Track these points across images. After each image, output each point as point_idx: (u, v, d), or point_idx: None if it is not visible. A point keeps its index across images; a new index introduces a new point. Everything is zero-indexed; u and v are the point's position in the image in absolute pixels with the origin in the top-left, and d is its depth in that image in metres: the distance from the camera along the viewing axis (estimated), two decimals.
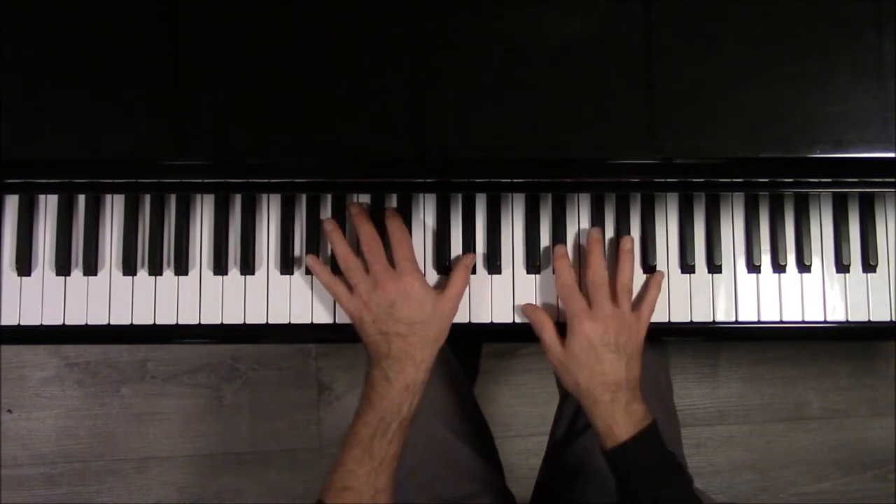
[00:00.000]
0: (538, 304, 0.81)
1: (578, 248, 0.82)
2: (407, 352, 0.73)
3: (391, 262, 0.76)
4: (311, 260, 0.79)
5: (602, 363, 0.74)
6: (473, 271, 0.81)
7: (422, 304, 0.74)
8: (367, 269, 0.76)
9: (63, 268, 0.80)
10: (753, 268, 0.82)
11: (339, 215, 0.81)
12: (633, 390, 0.75)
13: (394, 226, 0.77)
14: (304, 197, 0.82)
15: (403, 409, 0.73)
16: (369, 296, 0.74)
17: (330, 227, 0.78)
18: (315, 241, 0.81)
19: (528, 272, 0.82)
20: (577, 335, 0.75)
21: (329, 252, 0.80)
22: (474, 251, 0.81)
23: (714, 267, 0.82)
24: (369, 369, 0.75)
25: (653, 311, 0.79)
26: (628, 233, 0.82)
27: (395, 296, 0.74)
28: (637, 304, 0.79)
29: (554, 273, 0.79)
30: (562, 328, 0.78)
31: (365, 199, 0.82)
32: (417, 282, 0.75)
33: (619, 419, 0.73)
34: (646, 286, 0.80)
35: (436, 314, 0.75)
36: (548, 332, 0.77)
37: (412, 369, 0.73)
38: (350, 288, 0.76)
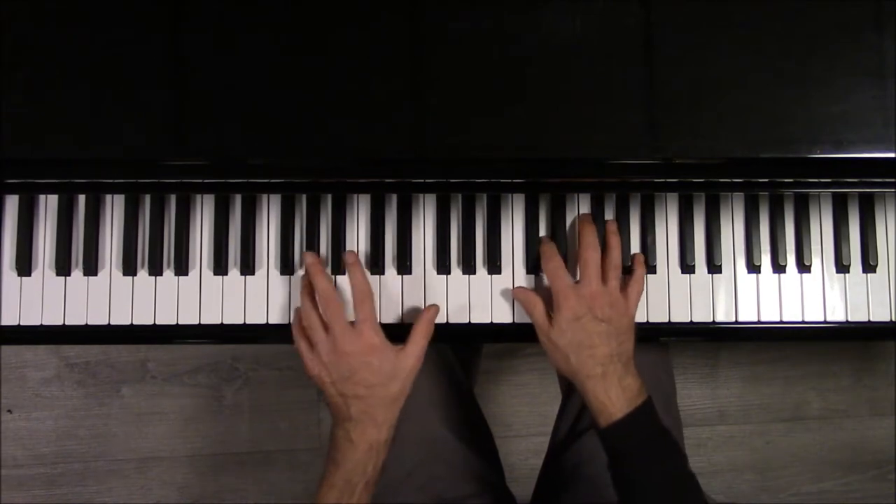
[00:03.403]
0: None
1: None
2: (368, 413, 0.73)
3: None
4: (294, 313, 0.79)
5: (591, 336, 0.74)
6: (473, 272, 0.81)
7: (381, 366, 0.74)
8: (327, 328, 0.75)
9: (63, 268, 0.80)
10: (753, 268, 0.82)
11: (339, 216, 0.81)
12: (625, 364, 0.74)
13: (355, 281, 0.76)
14: (304, 197, 0.82)
15: (368, 468, 0.73)
16: (328, 357, 0.74)
17: (303, 283, 0.78)
18: (315, 243, 0.81)
19: (527, 272, 0.82)
20: (563, 309, 0.75)
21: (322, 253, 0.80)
22: (474, 251, 0.81)
23: (714, 267, 0.82)
24: (333, 429, 0.75)
25: (642, 289, 0.79)
26: (628, 233, 0.82)
27: (354, 359, 0.73)
28: (625, 283, 0.79)
29: (540, 256, 0.79)
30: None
31: (365, 199, 0.82)
32: (377, 343, 0.74)
33: (613, 395, 0.72)
34: (632, 266, 0.80)
35: (396, 373, 0.74)
36: (538, 310, 0.77)
37: (374, 430, 0.73)
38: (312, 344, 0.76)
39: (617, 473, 0.73)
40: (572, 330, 0.74)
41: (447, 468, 0.87)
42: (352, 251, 0.79)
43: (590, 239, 0.78)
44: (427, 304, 0.80)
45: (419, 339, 0.76)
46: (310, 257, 0.78)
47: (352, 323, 0.75)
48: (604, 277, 0.76)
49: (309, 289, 0.77)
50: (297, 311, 0.79)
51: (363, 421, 0.73)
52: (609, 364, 0.73)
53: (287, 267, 0.81)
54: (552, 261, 0.77)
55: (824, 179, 0.77)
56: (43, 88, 0.70)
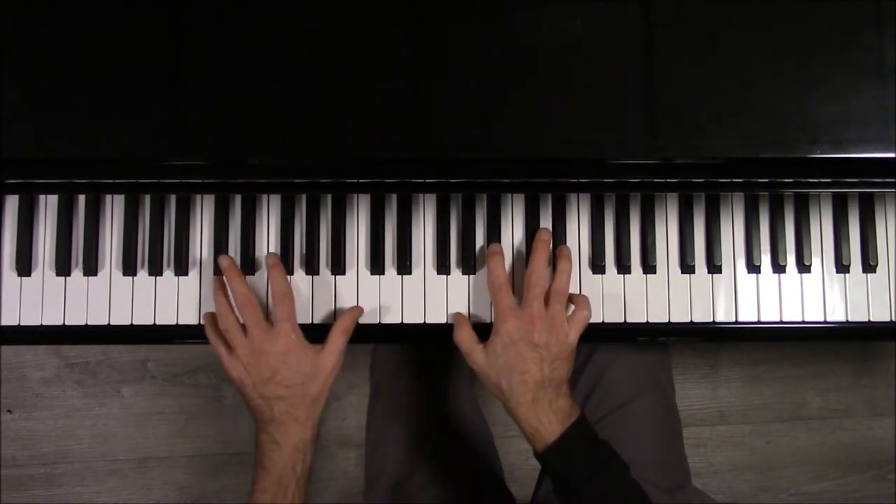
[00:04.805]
0: None
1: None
2: (290, 413, 0.73)
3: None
4: (205, 318, 0.78)
5: (524, 361, 0.72)
6: (473, 271, 0.81)
7: (300, 366, 0.74)
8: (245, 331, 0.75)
9: (63, 268, 0.80)
10: (753, 268, 0.82)
11: (339, 216, 0.81)
12: (556, 388, 0.72)
13: (274, 280, 0.76)
14: (303, 197, 0.82)
15: (297, 468, 0.73)
16: (248, 360, 0.74)
17: (216, 286, 0.77)
18: (315, 242, 0.81)
19: None
20: (501, 332, 0.73)
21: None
22: (474, 251, 0.81)
23: (714, 267, 0.82)
24: (257, 434, 0.75)
25: (588, 318, 0.75)
26: (628, 233, 0.81)
27: (274, 360, 0.73)
28: (569, 319, 0.75)
29: (487, 269, 0.77)
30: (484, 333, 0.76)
31: (365, 199, 0.82)
32: (295, 342, 0.74)
33: (545, 419, 0.71)
34: (576, 307, 0.76)
35: (315, 372, 0.74)
36: (464, 333, 0.75)
37: (297, 429, 0.73)
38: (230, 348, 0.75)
39: (562, 496, 0.72)
40: (506, 354, 0.72)
41: (446, 468, 0.87)
42: (274, 253, 0.79)
43: (540, 257, 0.76)
44: (425, 304, 0.80)
45: (338, 338, 0.76)
46: (225, 261, 0.77)
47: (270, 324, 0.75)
48: (547, 301, 0.74)
49: (222, 292, 0.77)
50: (208, 315, 0.78)
51: (286, 421, 0.73)
52: (539, 390, 0.72)
53: (287, 267, 0.81)
54: (497, 276, 0.75)
55: (824, 179, 0.77)
56: (43, 88, 0.70)
